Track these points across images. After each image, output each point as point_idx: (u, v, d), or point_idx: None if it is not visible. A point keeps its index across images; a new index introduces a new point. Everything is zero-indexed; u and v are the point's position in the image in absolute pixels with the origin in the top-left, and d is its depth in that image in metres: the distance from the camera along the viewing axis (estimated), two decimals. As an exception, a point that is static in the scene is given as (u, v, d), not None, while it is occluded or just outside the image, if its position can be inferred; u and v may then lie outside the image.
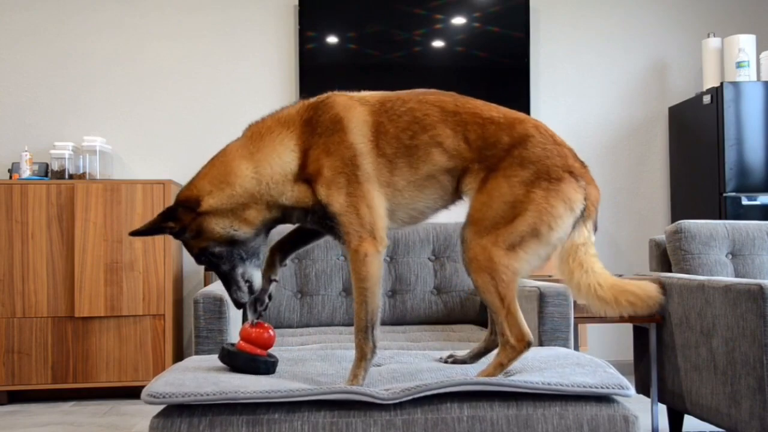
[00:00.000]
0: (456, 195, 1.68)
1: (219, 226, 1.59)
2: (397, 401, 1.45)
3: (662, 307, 1.56)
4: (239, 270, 1.63)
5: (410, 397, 1.45)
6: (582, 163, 1.65)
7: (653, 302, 1.58)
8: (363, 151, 1.59)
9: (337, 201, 1.57)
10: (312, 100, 1.67)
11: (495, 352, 1.66)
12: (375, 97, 1.67)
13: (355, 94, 1.69)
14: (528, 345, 1.59)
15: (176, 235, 1.63)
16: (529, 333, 1.60)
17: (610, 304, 1.59)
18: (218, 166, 1.62)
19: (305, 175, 1.59)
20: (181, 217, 1.60)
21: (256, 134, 1.63)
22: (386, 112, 1.63)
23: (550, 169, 1.58)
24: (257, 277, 1.66)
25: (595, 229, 1.65)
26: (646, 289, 1.58)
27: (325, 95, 1.68)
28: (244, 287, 1.64)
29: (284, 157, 1.59)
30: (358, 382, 1.55)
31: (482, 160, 1.61)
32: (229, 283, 1.64)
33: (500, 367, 1.59)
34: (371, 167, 1.60)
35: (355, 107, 1.63)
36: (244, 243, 1.62)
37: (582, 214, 1.60)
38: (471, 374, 1.64)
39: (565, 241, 1.59)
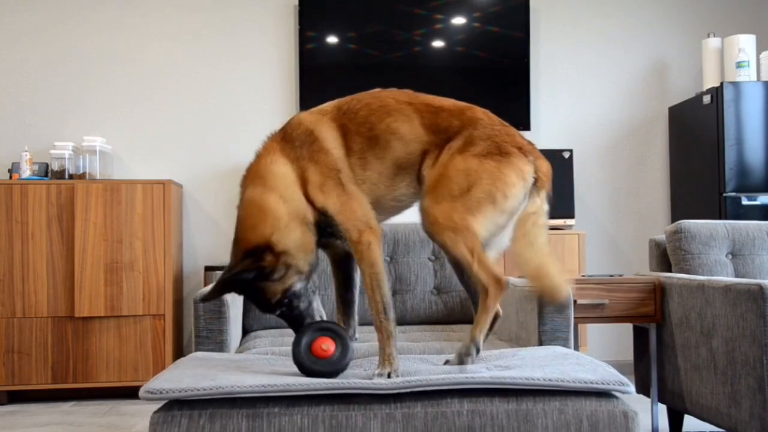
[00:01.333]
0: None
1: (298, 258, 1.65)
2: (396, 391, 1.46)
3: (564, 303, 1.90)
4: (315, 303, 1.72)
5: (409, 390, 1.46)
6: (529, 142, 1.76)
7: (558, 298, 1.73)
8: (339, 156, 1.70)
9: (331, 201, 1.66)
10: (279, 128, 1.77)
11: (487, 345, 1.74)
12: (331, 105, 1.78)
13: (314, 109, 1.79)
14: (506, 285, 1.67)
15: (263, 276, 1.62)
16: (503, 276, 1.67)
17: (528, 280, 1.76)
18: (252, 217, 1.65)
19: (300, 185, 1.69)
20: (266, 258, 1.63)
21: (255, 176, 1.69)
22: (345, 114, 1.73)
23: (500, 145, 1.69)
24: (322, 311, 1.75)
25: (549, 200, 1.76)
26: (557, 285, 1.69)
27: (289, 119, 1.79)
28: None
29: (285, 172, 1.68)
30: (393, 361, 1.59)
31: (438, 143, 1.72)
32: (305, 321, 1.69)
33: (487, 310, 1.66)
34: (348, 168, 1.70)
35: (319, 120, 1.74)
36: (311, 273, 1.70)
37: (535, 185, 1.71)
38: (469, 368, 1.64)
39: (518, 210, 1.69)
